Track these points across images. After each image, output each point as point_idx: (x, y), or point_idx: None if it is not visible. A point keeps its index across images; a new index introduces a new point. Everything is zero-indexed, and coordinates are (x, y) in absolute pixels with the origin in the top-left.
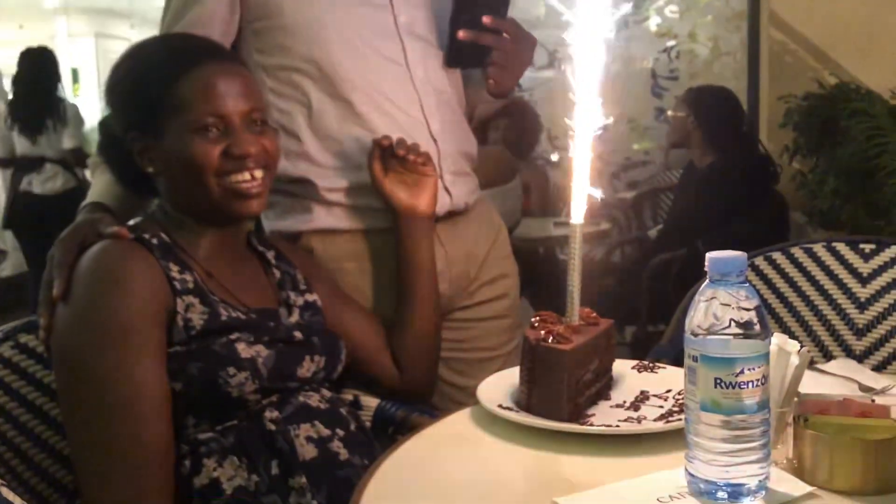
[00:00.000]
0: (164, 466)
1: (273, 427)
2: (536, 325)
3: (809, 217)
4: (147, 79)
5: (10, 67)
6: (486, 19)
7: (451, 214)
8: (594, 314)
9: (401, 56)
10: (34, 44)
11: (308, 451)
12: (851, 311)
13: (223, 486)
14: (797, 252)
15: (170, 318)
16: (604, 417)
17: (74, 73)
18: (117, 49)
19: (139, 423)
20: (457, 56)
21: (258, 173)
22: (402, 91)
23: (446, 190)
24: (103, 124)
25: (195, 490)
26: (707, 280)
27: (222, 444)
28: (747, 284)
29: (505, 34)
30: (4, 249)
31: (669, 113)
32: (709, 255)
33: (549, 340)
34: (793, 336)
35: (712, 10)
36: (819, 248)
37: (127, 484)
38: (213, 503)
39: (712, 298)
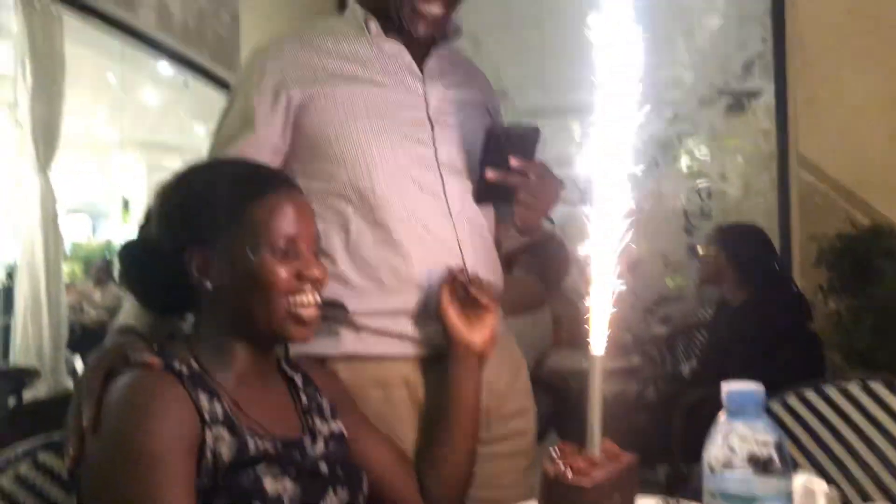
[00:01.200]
0: None
1: None
2: (555, 457)
3: (846, 357)
4: (220, 198)
5: (67, 197)
6: (512, 161)
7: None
8: (616, 448)
9: (440, 189)
10: (92, 175)
11: None
12: (890, 451)
13: None
14: (831, 391)
15: (199, 449)
16: None
17: (125, 202)
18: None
19: None
20: (485, 193)
21: (317, 297)
22: (439, 221)
23: None
24: (126, 250)
25: None
26: (724, 413)
27: None
28: (766, 418)
29: (531, 175)
30: (39, 370)
31: (700, 250)
32: (725, 387)
33: (568, 474)
34: (827, 477)
35: (742, 152)
36: (854, 388)
37: None
38: None
39: (729, 432)
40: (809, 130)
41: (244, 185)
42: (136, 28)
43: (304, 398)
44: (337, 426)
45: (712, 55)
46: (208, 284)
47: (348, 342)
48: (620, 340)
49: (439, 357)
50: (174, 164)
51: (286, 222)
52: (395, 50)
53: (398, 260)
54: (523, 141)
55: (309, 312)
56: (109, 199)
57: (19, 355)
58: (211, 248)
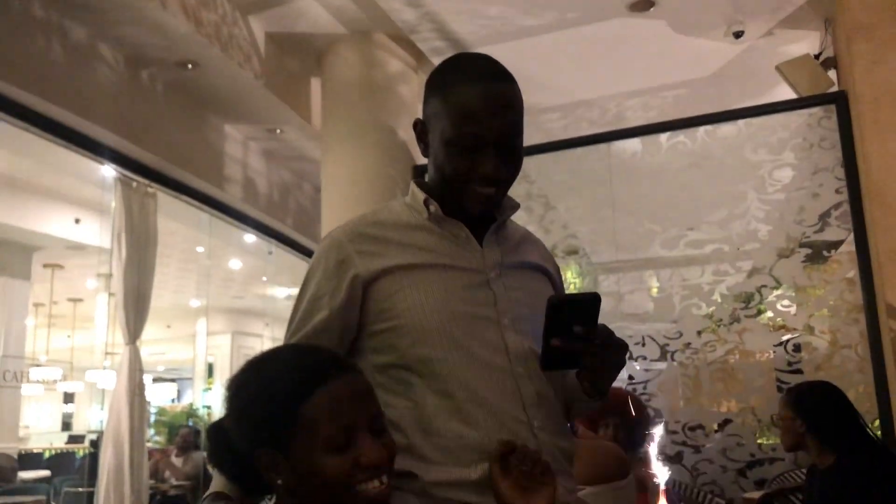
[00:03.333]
0: None
1: None
2: None
3: None
4: (277, 397)
5: (155, 363)
6: (576, 329)
7: None
8: None
9: (504, 357)
10: (178, 341)
11: None
12: None
13: None
14: None
15: None
16: None
17: (210, 367)
18: (251, 345)
19: None
20: (550, 360)
21: (385, 478)
22: (504, 389)
23: None
24: (214, 431)
25: None
26: None
27: None
28: None
29: (595, 341)
30: None
31: (774, 417)
32: None
33: None
34: None
35: (826, 304)
36: None
37: None
38: None
39: None
40: None
41: (294, 385)
42: (223, 202)
43: None
44: None
45: (787, 208)
46: (278, 482)
47: None
48: None
49: None
50: (257, 328)
51: (338, 415)
52: (455, 228)
53: (465, 429)
54: (584, 308)
55: (378, 492)
56: (195, 364)
57: None
58: (277, 447)
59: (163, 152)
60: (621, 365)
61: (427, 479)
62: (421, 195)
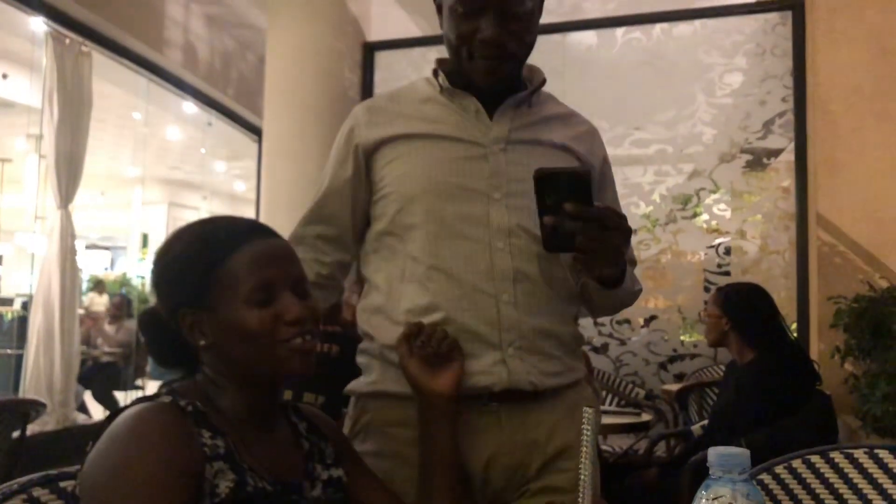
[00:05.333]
0: None
1: None
2: None
3: (863, 422)
4: (197, 260)
5: (88, 230)
6: (567, 206)
7: (519, 396)
8: None
9: (483, 230)
10: (113, 209)
11: None
12: None
13: None
14: (837, 456)
15: (198, 482)
16: None
17: (144, 238)
18: (187, 217)
19: None
20: (549, 241)
21: (309, 337)
22: (474, 261)
23: (503, 363)
24: (144, 316)
25: None
26: (709, 476)
27: None
28: (751, 484)
29: (589, 220)
30: (46, 403)
31: (701, 313)
32: (710, 451)
33: None
34: None
35: (760, 210)
36: (860, 454)
37: None
38: None
39: (715, 498)
40: (829, 191)
41: (215, 244)
42: (162, 66)
43: (306, 444)
44: (338, 472)
45: (733, 113)
46: (202, 342)
47: (376, 378)
48: (632, 396)
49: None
50: (193, 201)
51: (258, 271)
52: (465, 100)
53: (422, 295)
54: (574, 183)
55: (297, 347)
56: (129, 233)
57: (29, 387)
58: (199, 307)
59: (99, 9)
60: (620, 249)
61: (381, 342)
62: (435, 70)
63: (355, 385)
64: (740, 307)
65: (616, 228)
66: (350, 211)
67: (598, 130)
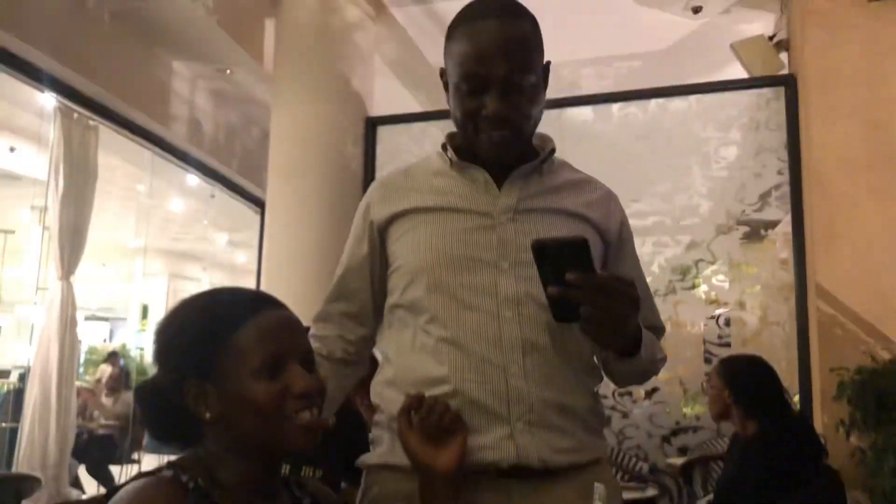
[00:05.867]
0: None
1: None
2: None
3: (871, 496)
4: (204, 332)
5: (88, 301)
6: (568, 277)
7: (529, 473)
8: None
9: (492, 301)
10: (113, 281)
11: None
12: None
13: None
14: None
15: None
16: None
17: (144, 309)
18: (188, 288)
19: None
20: (557, 311)
21: (316, 411)
22: (483, 331)
23: (511, 438)
24: (142, 390)
25: None
26: None
27: None
28: None
29: (591, 288)
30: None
31: (704, 385)
32: None
33: None
34: None
35: (759, 281)
36: None
37: None
38: None
39: None
40: (827, 262)
41: (224, 316)
42: (167, 140)
43: None
44: None
45: (729, 185)
46: (207, 415)
47: (385, 450)
48: (636, 470)
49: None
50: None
51: (267, 343)
52: (475, 173)
53: (433, 367)
54: (572, 252)
55: (309, 422)
56: (129, 304)
57: (23, 462)
58: (205, 378)
59: (107, 84)
60: (625, 316)
61: (391, 414)
62: (445, 145)
63: (366, 457)
64: (742, 379)
65: (622, 296)
66: (369, 287)
67: (615, 195)
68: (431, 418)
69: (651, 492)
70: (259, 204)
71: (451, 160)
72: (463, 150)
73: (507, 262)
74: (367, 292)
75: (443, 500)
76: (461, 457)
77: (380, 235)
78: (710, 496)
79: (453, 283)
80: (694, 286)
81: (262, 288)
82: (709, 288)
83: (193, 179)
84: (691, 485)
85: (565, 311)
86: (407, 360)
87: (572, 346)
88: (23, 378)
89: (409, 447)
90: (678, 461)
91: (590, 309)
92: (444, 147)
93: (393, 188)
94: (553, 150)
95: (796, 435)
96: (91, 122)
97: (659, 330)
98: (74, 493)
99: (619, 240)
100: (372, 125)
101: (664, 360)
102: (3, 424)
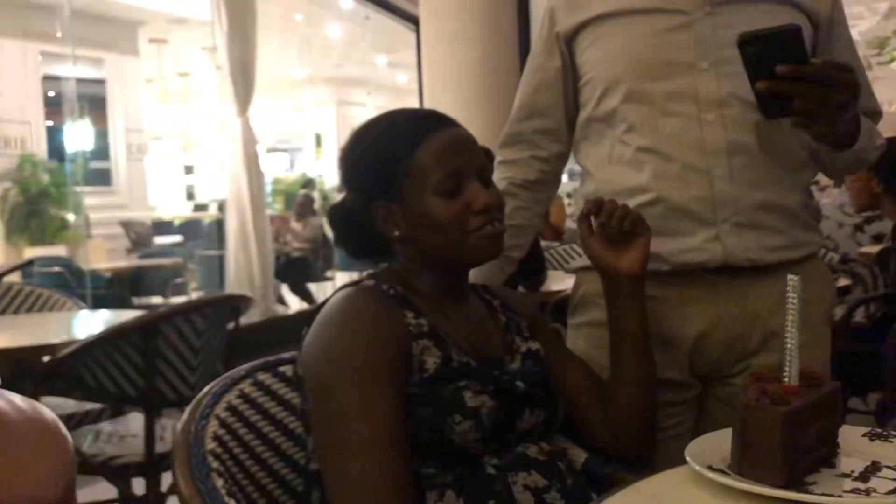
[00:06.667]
0: (407, 500)
1: (493, 471)
2: (752, 384)
3: None
4: (387, 150)
5: (265, 134)
6: (778, 69)
7: (737, 271)
8: (817, 375)
9: (692, 104)
10: (284, 112)
11: (525, 499)
12: None
13: None
14: None
15: (406, 360)
16: (826, 486)
17: (318, 138)
18: (355, 114)
19: (388, 458)
20: (766, 108)
21: (497, 224)
22: (684, 136)
23: (718, 239)
24: (333, 211)
25: None
26: None
27: (443, 480)
28: None
29: (806, 79)
30: (252, 297)
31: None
32: None
33: (764, 401)
34: None
35: None
36: None
37: None
38: None
39: None
40: None
41: (401, 137)
42: None
43: (503, 318)
44: (535, 345)
45: None
46: (395, 233)
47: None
48: (827, 260)
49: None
50: (359, 98)
51: (445, 161)
52: None
53: (631, 175)
54: (783, 44)
55: (490, 234)
56: (303, 135)
57: (232, 284)
58: (391, 200)
59: None
60: (844, 106)
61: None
62: None
63: (575, 262)
64: (890, 167)
65: (839, 84)
66: (563, 101)
67: None
68: (612, 222)
69: (844, 282)
70: (414, 21)
71: None
72: None
73: (707, 61)
74: (560, 106)
75: (628, 302)
76: (644, 259)
77: (567, 46)
78: None
79: (649, 90)
80: (892, 60)
81: (426, 106)
82: None
83: (347, 2)
84: (888, 272)
85: (777, 108)
86: (606, 173)
87: (781, 144)
88: (221, 208)
89: (590, 253)
90: (873, 249)
91: (804, 102)
92: None
93: None
94: None
95: None
96: None
97: (876, 115)
98: (280, 309)
99: (831, 22)
100: None
101: (882, 146)
102: (211, 252)
